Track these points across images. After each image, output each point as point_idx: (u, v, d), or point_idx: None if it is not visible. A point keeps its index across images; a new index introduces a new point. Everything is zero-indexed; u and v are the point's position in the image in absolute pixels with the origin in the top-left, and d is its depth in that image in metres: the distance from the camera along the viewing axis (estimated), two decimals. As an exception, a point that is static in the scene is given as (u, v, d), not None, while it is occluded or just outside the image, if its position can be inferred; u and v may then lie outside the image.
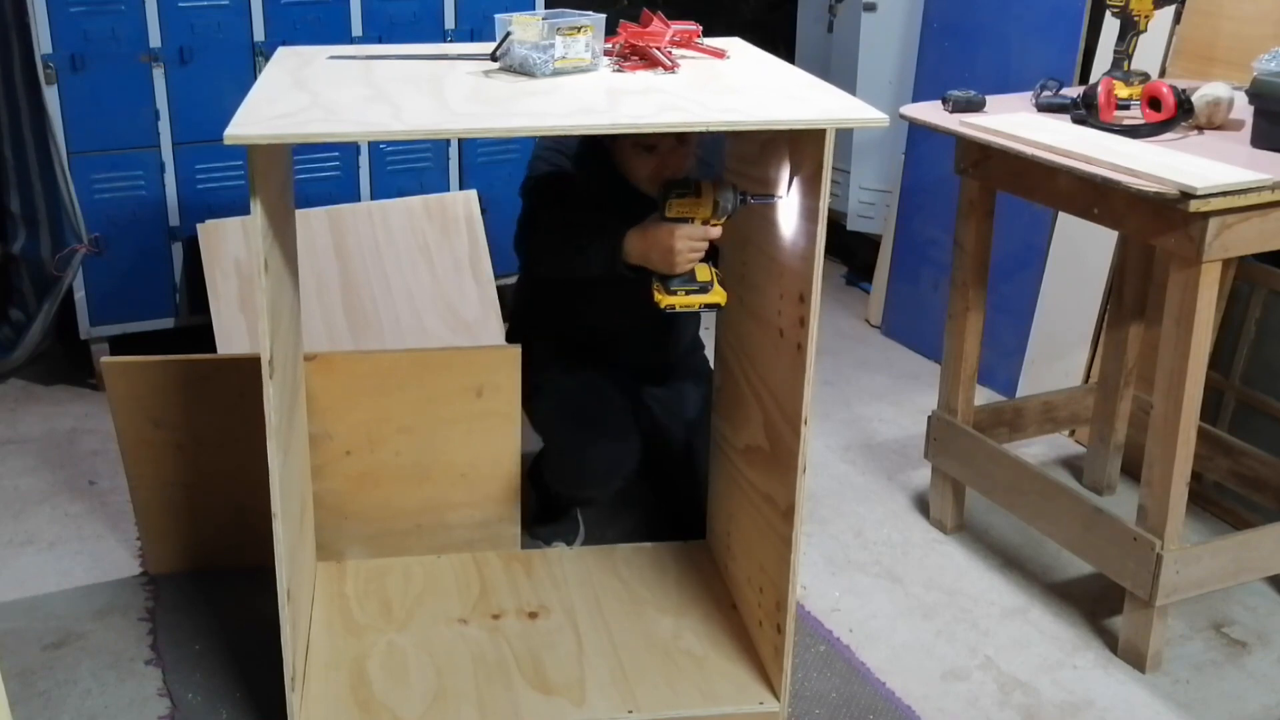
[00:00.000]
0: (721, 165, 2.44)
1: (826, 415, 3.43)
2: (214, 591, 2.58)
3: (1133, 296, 2.88)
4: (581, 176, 2.51)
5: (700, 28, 2.34)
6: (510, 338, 2.81)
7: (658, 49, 2.19)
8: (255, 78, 2.16)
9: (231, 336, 3.30)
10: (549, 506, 2.76)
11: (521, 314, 2.81)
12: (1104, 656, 2.47)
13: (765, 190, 2.14)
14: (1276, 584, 2.68)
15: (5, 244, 3.49)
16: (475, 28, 3.53)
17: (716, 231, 2.19)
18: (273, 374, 1.92)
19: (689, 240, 2.16)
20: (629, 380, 2.72)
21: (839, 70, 4.19)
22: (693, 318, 2.78)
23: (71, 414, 3.36)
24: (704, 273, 2.19)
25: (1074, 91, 2.62)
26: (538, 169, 2.55)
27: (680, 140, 2.41)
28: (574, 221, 2.41)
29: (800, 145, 2.00)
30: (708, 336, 2.71)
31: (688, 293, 2.20)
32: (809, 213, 1.99)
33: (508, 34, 2.13)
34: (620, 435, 2.59)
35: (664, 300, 2.20)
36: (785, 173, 2.08)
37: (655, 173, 2.42)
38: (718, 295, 2.21)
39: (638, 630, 2.40)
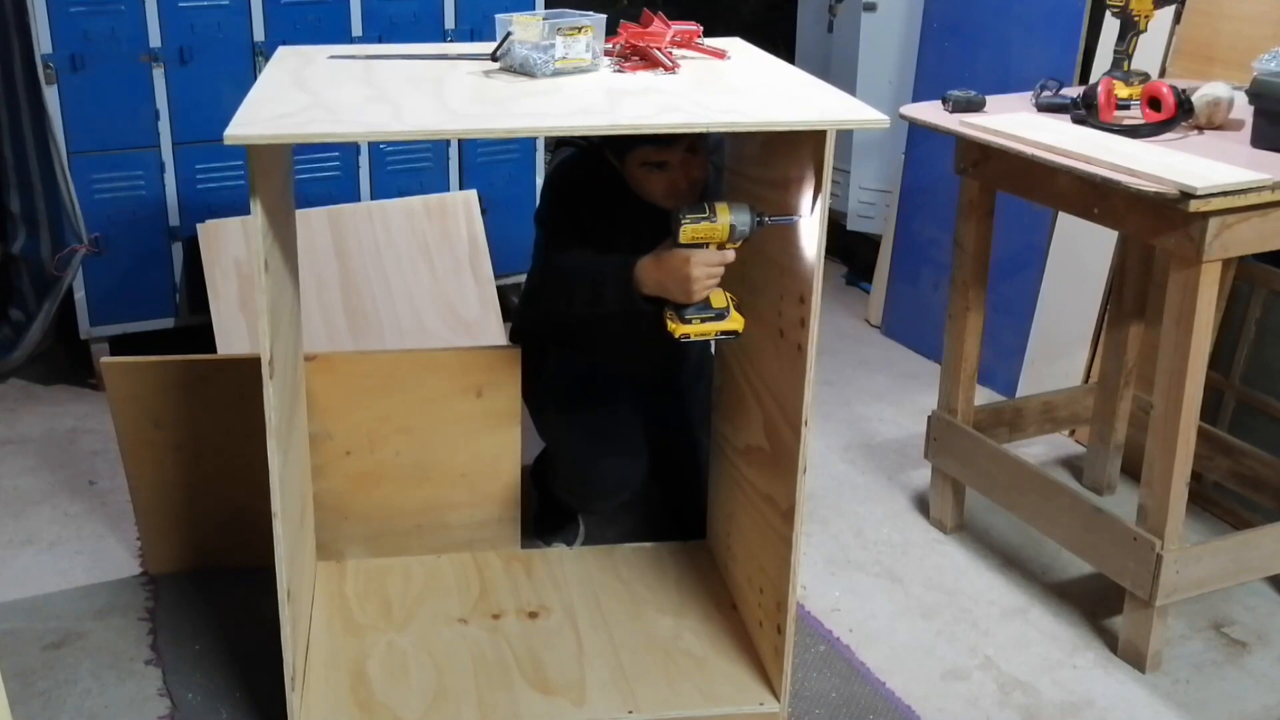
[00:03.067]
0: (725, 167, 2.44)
1: (826, 415, 3.43)
2: (214, 591, 2.58)
3: (1133, 296, 2.88)
4: (594, 198, 2.43)
5: (701, 28, 2.34)
6: (514, 337, 2.80)
7: (658, 49, 2.19)
8: (255, 78, 2.16)
9: (231, 336, 3.30)
10: (551, 508, 2.76)
11: (527, 315, 2.80)
12: (1104, 656, 2.47)
13: (782, 210, 2.06)
14: (1276, 584, 2.68)
15: (5, 244, 3.49)
16: (475, 28, 3.54)
17: (732, 255, 2.07)
18: (273, 374, 1.92)
19: (706, 266, 2.05)
20: (634, 383, 2.71)
21: (839, 70, 4.19)
22: None
23: (71, 414, 3.36)
24: (719, 299, 2.09)
25: (1074, 91, 2.62)
26: (549, 202, 2.49)
27: (691, 150, 2.31)
28: (583, 265, 2.30)
29: (801, 146, 2.00)
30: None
31: (703, 320, 2.09)
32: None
33: (508, 34, 2.13)
34: (631, 450, 2.58)
35: (678, 329, 2.10)
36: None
37: (671, 188, 2.33)
38: (735, 322, 2.10)
39: (638, 630, 2.40)
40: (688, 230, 2.03)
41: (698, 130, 1.88)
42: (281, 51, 2.39)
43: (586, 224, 2.41)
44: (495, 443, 2.59)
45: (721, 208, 2.03)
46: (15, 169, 3.36)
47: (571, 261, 2.35)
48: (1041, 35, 3.45)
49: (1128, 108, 2.50)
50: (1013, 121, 2.46)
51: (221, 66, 3.30)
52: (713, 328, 2.10)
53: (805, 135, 1.96)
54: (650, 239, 2.16)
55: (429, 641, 2.36)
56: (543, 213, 2.53)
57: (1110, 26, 3.20)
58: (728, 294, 2.12)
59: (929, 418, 2.85)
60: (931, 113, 2.59)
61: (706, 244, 2.05)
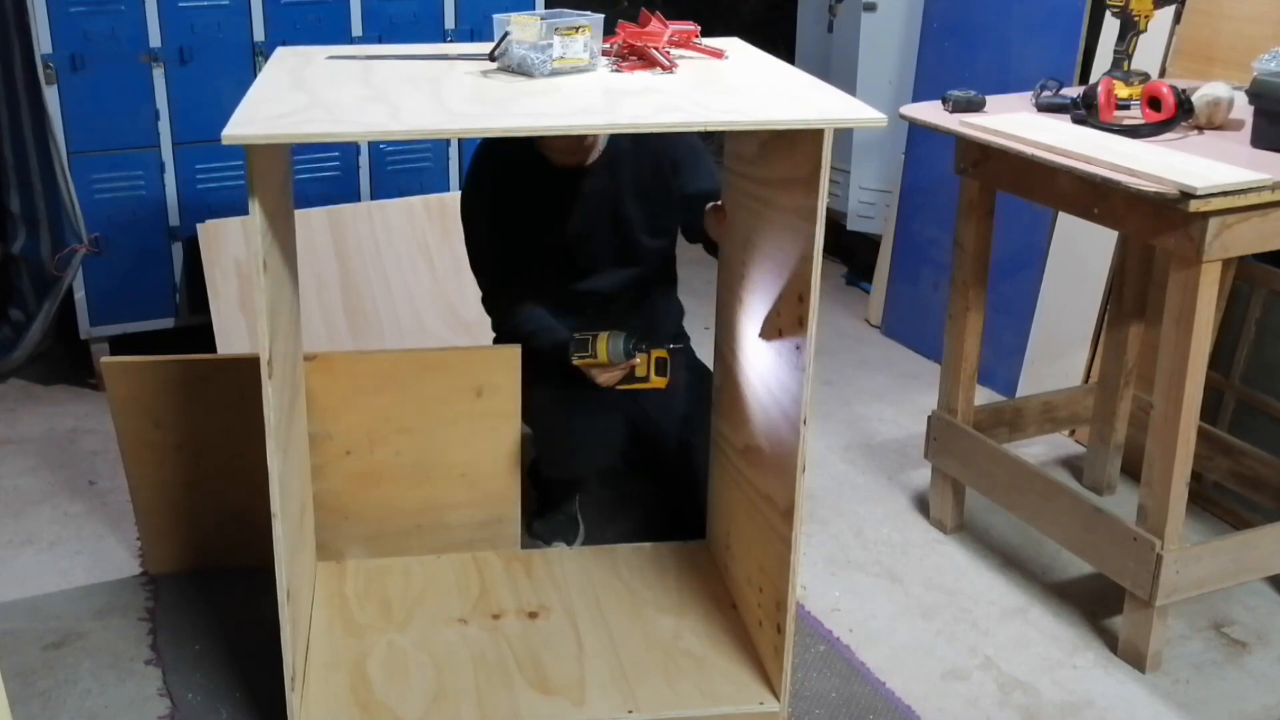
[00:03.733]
0: (720, 171, 2.44)
1: (826, 415, 3.43)
2: (214, 591, 2.58)
3: (1133, 296, 2.88)
4: (507, 164, 2.59)
5: (698, 28, 2.34)
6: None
7: (656, 49, 2.19)
8: (255, 78, 2.16)
9: (231, 336, 3.30)
10: (550, 507, 2.76)
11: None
12: (1104, 656, 2.47)
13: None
14: (1276, 584, 2.68)
15: (5, 244, 3.49)
16: (475, 27, 3.54)
17: (620, 373, 2.52)
18: (272, 374, 1.92)
19: (607, 377, 2.54)
20: None
21: (839, 70, 4.19)
22: (672, 308, 2.86)
23: (71, 414, 3.36)
24: (642, 369, 2.57)
25: (1074, 91, 2.62)
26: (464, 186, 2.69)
27: None
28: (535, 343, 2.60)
29: (800, 145, 2.00)
30: (708, 337, 2.71)
31: (629, 384, 2.58)
32: (808, 213, 1.98)
33: (506, 34, 2.13)
34: (606, 411, 2.63)
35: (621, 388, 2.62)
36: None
37: (567, 143, 2.52)
38: (656, 383, 2.58)
39: (638, 630, 2.40)
40: (577, 363, 2.52)
41: (696, 129, 1.88)
42: (280, 52, 2.39)
43: (496, 196, 2.58)
44: (495, 443, 2.59)
45: (601, 341, 2.50)
46: (15, 169, 3.36)
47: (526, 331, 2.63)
48: (1041, 35, 3.44)
49: (1128, 108, 2.50)
50: (1013, 121, 2.46)
51: (221, 66, 3.31)
52: (638, 388, 2.59)
53: (804, 134, 1.96)
54: (567, 206, 2.55)
55: (429, 641, 2.36)
56: (465, 220, 2.70)
57: (1110, 26, 3.20)
58: (652, 358, 2.56)
59: (929, 418, 2.85)
60: (931, 113, 2.59)
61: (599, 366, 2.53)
